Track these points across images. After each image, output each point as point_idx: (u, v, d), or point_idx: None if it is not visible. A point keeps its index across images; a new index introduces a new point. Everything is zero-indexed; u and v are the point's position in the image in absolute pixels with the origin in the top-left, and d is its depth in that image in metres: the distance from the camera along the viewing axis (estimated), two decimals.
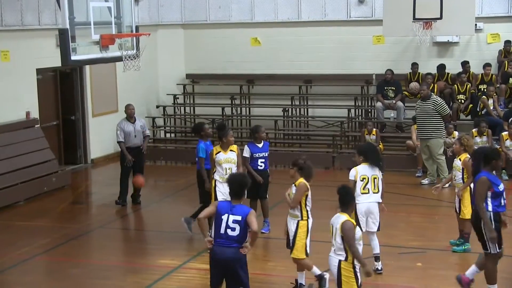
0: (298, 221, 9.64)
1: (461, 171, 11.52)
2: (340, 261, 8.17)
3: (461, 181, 11.51)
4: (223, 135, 11.79)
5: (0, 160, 15.39)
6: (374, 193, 10.37)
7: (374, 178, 10.36)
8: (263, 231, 12.56)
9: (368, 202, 10.37)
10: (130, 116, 14.95)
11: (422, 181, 16.46)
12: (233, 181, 8.55)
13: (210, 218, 9.52)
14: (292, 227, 9.66)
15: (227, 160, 11.68)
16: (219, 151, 11.71)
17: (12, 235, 13.28)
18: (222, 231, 8.18)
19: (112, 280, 10.94)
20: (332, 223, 8.37)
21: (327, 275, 9.61)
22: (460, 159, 11.58)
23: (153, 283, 10.63)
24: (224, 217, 8.20)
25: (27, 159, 16.04)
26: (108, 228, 13.87)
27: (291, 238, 9.70)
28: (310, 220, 9.78)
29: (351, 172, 10.43)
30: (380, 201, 10.46)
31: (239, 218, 8.17)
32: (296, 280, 9.96)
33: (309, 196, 9.74)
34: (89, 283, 11.00)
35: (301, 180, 9.62)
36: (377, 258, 10.51)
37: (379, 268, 10.48)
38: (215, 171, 11.75)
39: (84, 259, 12.28)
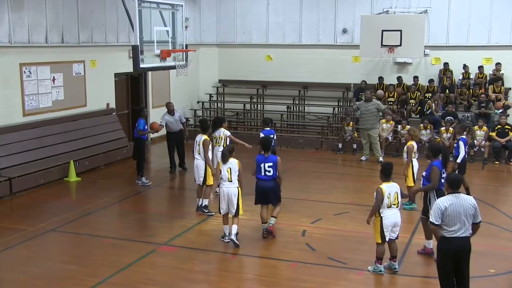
0: None
1: (406, 152, 11.61)
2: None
3: (406, 160, 11.62)
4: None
5: (88, 137, 15.50)
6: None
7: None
8: None
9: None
10: (170, 111, 14.74)
11: (361, 158, 16.38)
12: (265, 142, 9.92)
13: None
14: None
15: None
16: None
17: (96, 189, 13.41)
18: (262, 173, 9.75)
19: (164, 223, 11.01)
20: (390, 191, 8.32)
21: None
22: (406, 145, 11.72)
23: (193, 226, 10.71)
24: (262, 165, 9.71)
25: (107, 136, 16.12)
26: (162, 187, 13.89)
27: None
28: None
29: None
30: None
31: (271, 164, 9.70)
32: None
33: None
34: (149, 225, 11.14)
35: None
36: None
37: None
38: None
39: (144, 208, 12.42)
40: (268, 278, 8.59)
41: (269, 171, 9.72)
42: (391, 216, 8.37)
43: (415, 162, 11.60)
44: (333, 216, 11.29)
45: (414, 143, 11.61)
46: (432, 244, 9.13)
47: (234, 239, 9.55)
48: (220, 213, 9.78)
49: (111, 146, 15.92)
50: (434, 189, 8.94)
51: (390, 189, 8.37)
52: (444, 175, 9.01)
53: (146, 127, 13.75)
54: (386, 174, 8.48)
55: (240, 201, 9.58)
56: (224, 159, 9.57)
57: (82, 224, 10.90)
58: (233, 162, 9.56)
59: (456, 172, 11.25)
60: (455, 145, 12.29)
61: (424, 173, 9.18)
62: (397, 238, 8.60)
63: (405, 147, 11.77)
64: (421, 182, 9.33)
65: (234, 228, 9.57)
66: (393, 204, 8.37)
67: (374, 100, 16.19)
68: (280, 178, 9.89)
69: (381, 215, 8.36)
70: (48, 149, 14.14)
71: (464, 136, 12.30)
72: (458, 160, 11.83)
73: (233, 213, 9.58)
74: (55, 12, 14.74)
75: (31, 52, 14.18)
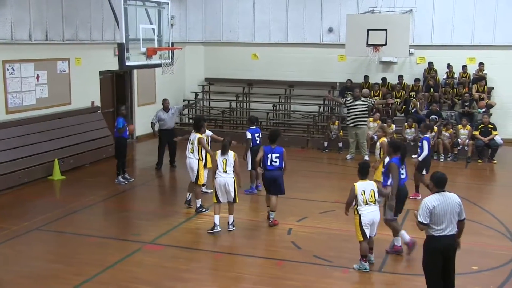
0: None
1: (379, 149, 11.62)
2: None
3: (378, 156, 11.54)
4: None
5: (73, 135, 15.38)
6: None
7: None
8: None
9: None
10: (165, 107, 14.86)
11: (347, 156, 16.47)
12: (273, 134, 10.68)
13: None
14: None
15: None
16: None
17: (81, 187, 13.34)
18: (269, 163, 10.45)
19: (150, 221, 10.95)
20: (364, 189, 8.47)
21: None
22: (379, 142, 11.73)
23: (179, 224, 10.71)
24: (269, 156, 10.44)
25: (92, 134, 16.01)
26: (147, 185, 13.86)
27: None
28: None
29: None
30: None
31: (278, 155, 10.48)
32: None
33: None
34: (134, 223, 11.10)
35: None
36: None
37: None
38: None
39: (130, 206, 12.34)
40: (254, 276, 8.61)
41: (276, 161, 10.45)
42: (369, 214, 8.49)
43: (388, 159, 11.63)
44: (318, 214, 11.33)
45: (386, 139, 11.66)
46: (401, 241, 9.24)
47: (231, 227, 10.24)
48: (220, 201, 10.09)
49: (96, 144, 15.82)
50: (398, 184, 9.05)
51: (365, 186, 8.51)
52: (402, 171, 9.24)
53: (126, 124, 13.62)
54: (362, 173, 8.65)
55: (236, 190, 10.11)
56: (224, 151, 10.06)
57: (66, 223, 10.83)
58: (230, 154, 10.09)
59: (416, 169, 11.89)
60: (419, 143, 12.46)
61: (382, 169, 9.35)
62: (374, 235, 8.73)
63: (378, 144, 11.62)
64: (382, 179, 9.48)
65: (230, 218, 10.26)
66: (370, 201, 8.49)
67: (363, 98, 16.22)
68: (285, 168, 10.60)
69: (359, 212, 8.48)
70: (32, 147, 14.00)
71: (428, 135, 12.56)
72: (420, 158, 12.01)
73: (231, 200, 10.15)
74: (39, 9, 14.62)
75: (14, 49, 14.05)
